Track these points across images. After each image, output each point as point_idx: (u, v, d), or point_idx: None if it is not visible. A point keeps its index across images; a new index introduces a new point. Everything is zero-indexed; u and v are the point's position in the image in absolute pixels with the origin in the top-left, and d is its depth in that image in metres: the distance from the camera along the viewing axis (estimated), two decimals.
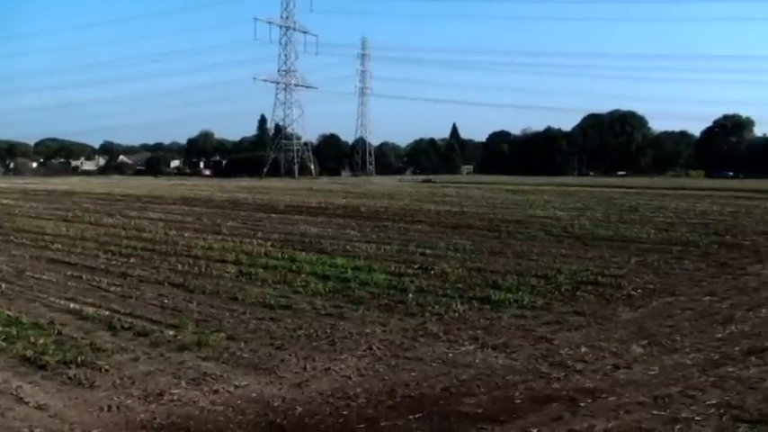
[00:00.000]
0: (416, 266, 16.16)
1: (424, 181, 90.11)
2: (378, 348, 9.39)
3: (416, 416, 6.92)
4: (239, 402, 7.38)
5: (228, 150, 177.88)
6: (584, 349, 9.36)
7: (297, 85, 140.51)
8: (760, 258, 18.34)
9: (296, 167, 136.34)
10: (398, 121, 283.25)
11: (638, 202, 44.46)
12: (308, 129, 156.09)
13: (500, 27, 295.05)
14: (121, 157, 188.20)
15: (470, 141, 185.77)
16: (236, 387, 7.86)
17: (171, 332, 10.17)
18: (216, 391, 7.72)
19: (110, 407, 7.29)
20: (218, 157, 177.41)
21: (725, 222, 29.17)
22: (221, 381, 8.06)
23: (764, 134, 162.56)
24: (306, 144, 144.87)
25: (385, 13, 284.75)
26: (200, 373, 8.36)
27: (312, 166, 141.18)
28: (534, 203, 41.64)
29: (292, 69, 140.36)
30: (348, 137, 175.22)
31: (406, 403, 7.29)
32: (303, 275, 14.88)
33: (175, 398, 7.53)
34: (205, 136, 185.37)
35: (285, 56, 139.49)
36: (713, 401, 7.26)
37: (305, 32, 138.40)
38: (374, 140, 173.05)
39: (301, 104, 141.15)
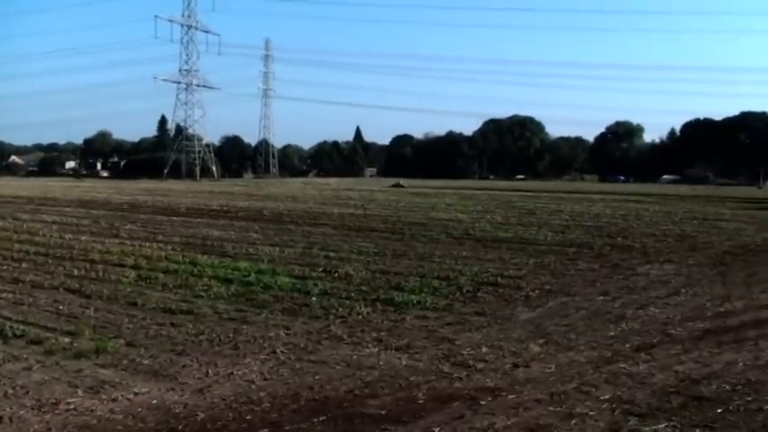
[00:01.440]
0: (320, 269, 16.16)
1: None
2: (282, 352, 9.35)
3: (320, 419, 6.92)
4: (139, 410, 7.21)
5: (127, 151, 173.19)
6: (484, 349, 9.58)
7: (198, 86, 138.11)
8: (649, 259, 19.19)
9: (197, 169, 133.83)
10: (302, 124, 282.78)
11: (536, 205, 45.76)
12: (210, 130, 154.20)
13: (404, 32, 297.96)
14: (12, 158, 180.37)
15: (374, 144, 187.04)
16: (135, 394, 7.67)
17: (66, 339, 9.83)
18: (114, 400, 7.52)
19: (1, 418, 6.99)
20: (116, 159, 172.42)
21: (617, 225, 30.38)
22: (120, 388, 7.85)
23: (653, 140, 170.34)
24: (208, 145, 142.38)
25: (288, 14, 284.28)
26: (98, 381, 8.12)
27: (214, 168, 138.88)
28: (436, 206, 42.24)
29: (194, 69, 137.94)
30: (251, 139, 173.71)
31: (311, 406, 7.28)
32: (205, 279, 14.65)
33: (72, 407, 7.29)
34: (102, 136, 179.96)
35: (186, 55, 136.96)
36: (606, 397, 7.56)
37: (207, 32, 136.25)
38: (277, 143, 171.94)
39: (203, 105, 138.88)
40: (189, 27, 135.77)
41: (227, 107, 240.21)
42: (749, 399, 7.53)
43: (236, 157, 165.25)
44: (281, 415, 7.07)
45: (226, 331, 10.40)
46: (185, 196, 52.60)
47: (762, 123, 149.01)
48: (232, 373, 8.43)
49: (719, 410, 7.15)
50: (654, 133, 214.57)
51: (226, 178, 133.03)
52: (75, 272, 15.60)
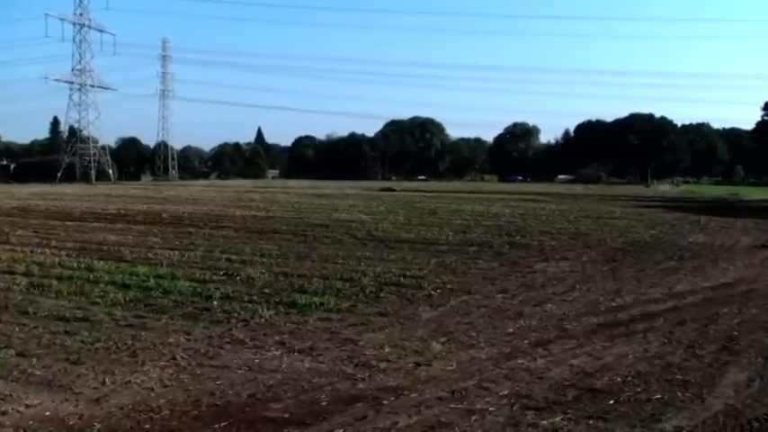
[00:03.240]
0: (222, 273, 15.91)
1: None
2: (182, 358, 9.16)
3: (222, 424, 6.83)
4: (31, 423, 6.92)
5: (17, 154, 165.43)
6: (387, 349, 9.65)
7: (93, 86, 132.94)
8: (546, 257, 19.79)
9: (93, 172, 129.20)
10: (202, 125, 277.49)
11: (438, 205, 46.45)
12: (106, 132, 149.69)
13: (305, 32, 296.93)
14: None
15: (276, 146, 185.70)
16: (27, 406, 7.35)
17: None
18: (4, 413, 7.18)
19: None
20: (5, 162, 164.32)
21: (515, 224, 31.22)
22: (11, 401, 7.51)
23: (548, 141, 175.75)
24: (103, 148, 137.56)
25: (187, 14, 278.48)
26: None
27: (110, 171, 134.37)
28: (339, 207, 42.30)
29: (88, 69, 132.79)
30: (149, 141, 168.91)
31: (212, 412, 7.17)
32: (101, 285, 14.17)
33: None
34: None
35: (79, 55, 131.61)
36: (505, 392, 7.76)
37: (101, 31, 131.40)
38: (177, 144, 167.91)
39: (98, 106, 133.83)
40: (81, 26, 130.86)
41: (123, 108, 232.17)
42: (638, 390, 7.88)
43: (134, 159, 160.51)
44: (181, 422, 6.93)
45: (123, 338, 10.10)
46: (80, 200, 50.77)
47: (649, 124, 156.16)
48: (130, 381, 8.19)
49: (611, 402, 7.46)
50: (549, 134, 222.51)
51: (123, 181, 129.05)
52: None
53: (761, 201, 64.66)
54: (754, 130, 78.19)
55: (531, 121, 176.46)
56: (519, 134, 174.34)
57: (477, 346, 9.91)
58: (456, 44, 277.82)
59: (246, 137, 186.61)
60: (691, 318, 11.90)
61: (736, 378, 8.45)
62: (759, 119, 73.88)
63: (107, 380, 8.21)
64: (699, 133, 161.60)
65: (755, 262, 19.55)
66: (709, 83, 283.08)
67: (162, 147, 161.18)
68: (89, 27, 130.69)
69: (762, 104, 72.77)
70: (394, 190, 78.63)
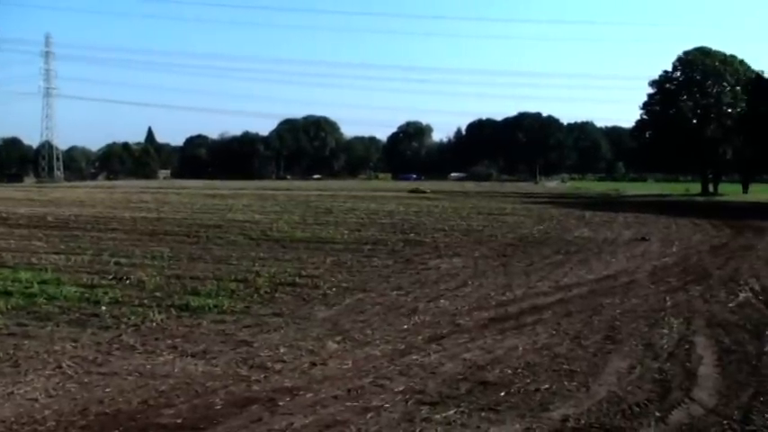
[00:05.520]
0: (111, 277, 15.42)
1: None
2: (68, 366, 8.81)
3: None
4: None
5: None
6: (282, 350, 9.60)
7: None
8: (439, 254, 20.15)
9: None
10: (89, 125, 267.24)
11: (333, 204, 46.51)
12: None
13: (196, 30, 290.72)
14: None
15: (167, 145, 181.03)
16: None
17: None
18: None
19: None
20: None
21: (410, 221, 31.65)
22: None
23: (441, 140, 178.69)
24: None
25: (72, 9, 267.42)
26: None
27: None
28: (233, 208, 41.73)
29: None
30: (32, 141, 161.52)
31: (101, 421, 6.94)
32: None
33: None
34: None
35: None
36: (400, 388, 7.86)
37: None
38: (62, 144, 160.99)
39: None
40: None
41: (3, 107, 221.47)
42: (528, 381, 8.15)
43: (16, 160, 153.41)
44: None
45: (5, 348, 9.63)
46: None
47: (537, 123, 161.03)
48: (12, 392, 7.82)
49: (502, 394, 7.68)
50: (442, 133, 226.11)
51: (4, 183, 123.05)
52: None
53: (640, 196, 68.02)
54: (633, 129, 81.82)
55: (424, 120, 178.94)
56: (412, 133, 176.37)
57: (373, 343, 9.99)
58: (349, 43, 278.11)
59: (136, 136, 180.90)
60: (576, 309, 12.39)
61: (618, 366, 8.85)
62: (638, 117, 77.42)
63: None
64: (583, 131, 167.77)
65: (636, 254, 20.53)
66: (593, 83, 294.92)
67: (46, 147, 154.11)
68: None
69: (640, 104, 76.08)
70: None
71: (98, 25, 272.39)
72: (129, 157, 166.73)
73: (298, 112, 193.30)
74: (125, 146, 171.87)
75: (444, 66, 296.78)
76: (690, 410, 7.23)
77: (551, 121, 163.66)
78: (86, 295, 13.23)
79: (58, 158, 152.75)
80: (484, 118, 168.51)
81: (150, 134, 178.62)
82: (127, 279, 15.08)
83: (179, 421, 6.92)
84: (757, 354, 9.47)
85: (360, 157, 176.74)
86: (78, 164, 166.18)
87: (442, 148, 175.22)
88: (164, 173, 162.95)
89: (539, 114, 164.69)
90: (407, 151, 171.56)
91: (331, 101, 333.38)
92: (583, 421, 6.91)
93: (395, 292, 14.03)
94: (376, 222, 30.98)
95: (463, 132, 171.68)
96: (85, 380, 8.28)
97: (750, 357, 9.30)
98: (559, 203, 51.19)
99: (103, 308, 12.17)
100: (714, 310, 12.49)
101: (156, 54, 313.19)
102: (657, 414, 7.10)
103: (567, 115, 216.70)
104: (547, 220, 34.00)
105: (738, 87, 71.03)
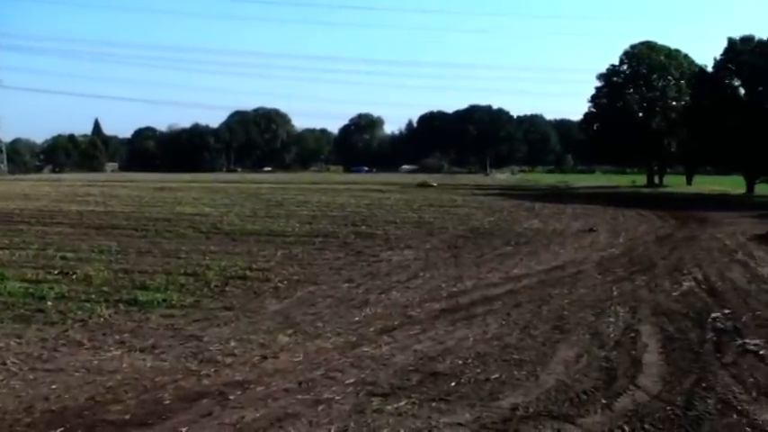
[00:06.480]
0: (57, 271, 15.10)
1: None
2: (12, 363, 8.62)
3: (58, 430, 6.51)
4: None
5: None
6: (233, 343, 9.54)
7: None
8: (390, 246, 20.21)
9: None
10: (33, 116, 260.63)
11: (284, 197, 46.26)
12: None
13: (144, 20, 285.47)
14: None
15: (114, 138, 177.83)
16: None
17: None
18: None
19: None
20: None
21: (361, 214, 31.63)
22: None
23: (392, 132, 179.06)
24: None
25: None
26: None
27: None
28: (182, 201, 41.22)
29: None
30: None
31: (46, 418, 6.81)
32: None
33: None
34: None
35: None
36: (351, 380, 7.87)
37: None
38: (5, 137, 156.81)
39: None
40: None
41: None
42: (478, 371, 8.24)
43: None
44: (13, 430, 6.55)
45: None
46: None
47: (487, 116, 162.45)
48: None
49: (453, 384, 7.75)
50: (393, 125, 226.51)
51: None
52: None
53: (588, 188, 69.12)
54: (581, 121, 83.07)
55: (375, 113, 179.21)
56: (364, 125, 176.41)
57: (324, 336, 9.98)
58: (299, 34, 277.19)
59: (83, 128, 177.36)
60: (526, 300, 12.56)
61: (566, 355, 9.00)
62: (586, 110, 78.62)
63: None
64: (533, 124, 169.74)
65: (584, 245, 20.87)
66: (543, 76, 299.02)
67: None
68: None
69: (588, 97, 77.29)
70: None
71: (42, 15, 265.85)
72: (76, 150, 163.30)
73: (248, 103, 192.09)
74: (71, 138, 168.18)
75: (396, 58, 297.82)
76: (635, 397, 7.39)
77: (501, 114, 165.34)
78: (31, 290, 12.95)
79: (1, 151, 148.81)
80: (435, 110, 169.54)
81: (97, 126, 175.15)
82: (73, 274, 14.79)
83: (127, 417, 6.83)
84: (699, 341, 9.71)
85: (311, 150, 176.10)
86: (22, 157, 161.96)
87: (394, 140, 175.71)
88: (111, 166, 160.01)
89: (489, 107, 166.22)
90: (359, 143, 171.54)
91: (282, 92, 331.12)
92: (531, 409, 7.01)
93: (346, 285, 14.04)
94: (327, 215, 30.90)
95: (415, 125, 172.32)
96: (30, 377, 8.12)
97: (693, 345, 9.53)
98: (509, 195, 51.73)
99: (49, 303, 11.93)
100: (659, 299, 12.78)
101: (102, 45, 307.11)
102: (604, 401, 7.24)
103: (516, 108, 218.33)
104: (497, 211, 34.34)
105: (683, 81, 72.60)
